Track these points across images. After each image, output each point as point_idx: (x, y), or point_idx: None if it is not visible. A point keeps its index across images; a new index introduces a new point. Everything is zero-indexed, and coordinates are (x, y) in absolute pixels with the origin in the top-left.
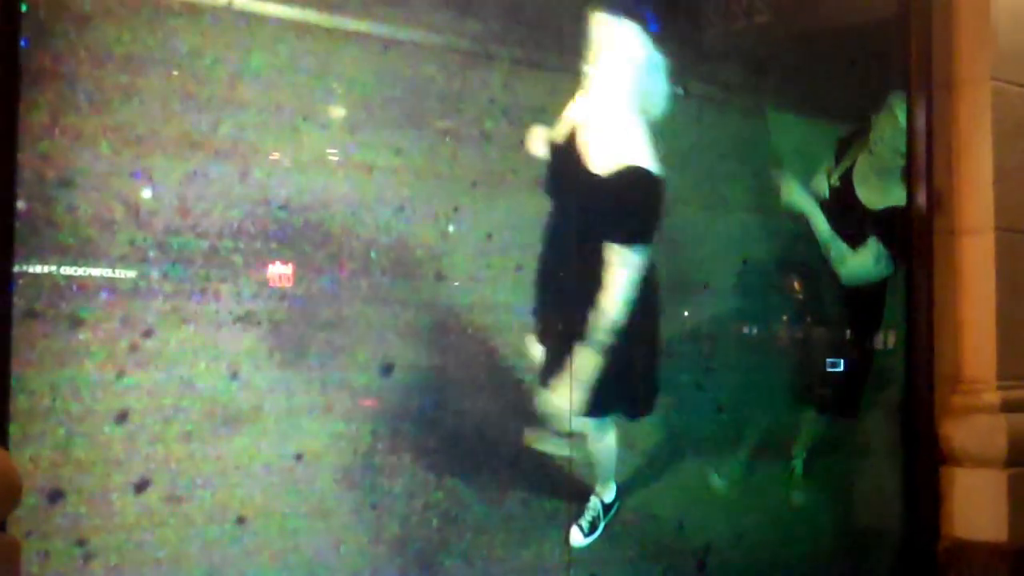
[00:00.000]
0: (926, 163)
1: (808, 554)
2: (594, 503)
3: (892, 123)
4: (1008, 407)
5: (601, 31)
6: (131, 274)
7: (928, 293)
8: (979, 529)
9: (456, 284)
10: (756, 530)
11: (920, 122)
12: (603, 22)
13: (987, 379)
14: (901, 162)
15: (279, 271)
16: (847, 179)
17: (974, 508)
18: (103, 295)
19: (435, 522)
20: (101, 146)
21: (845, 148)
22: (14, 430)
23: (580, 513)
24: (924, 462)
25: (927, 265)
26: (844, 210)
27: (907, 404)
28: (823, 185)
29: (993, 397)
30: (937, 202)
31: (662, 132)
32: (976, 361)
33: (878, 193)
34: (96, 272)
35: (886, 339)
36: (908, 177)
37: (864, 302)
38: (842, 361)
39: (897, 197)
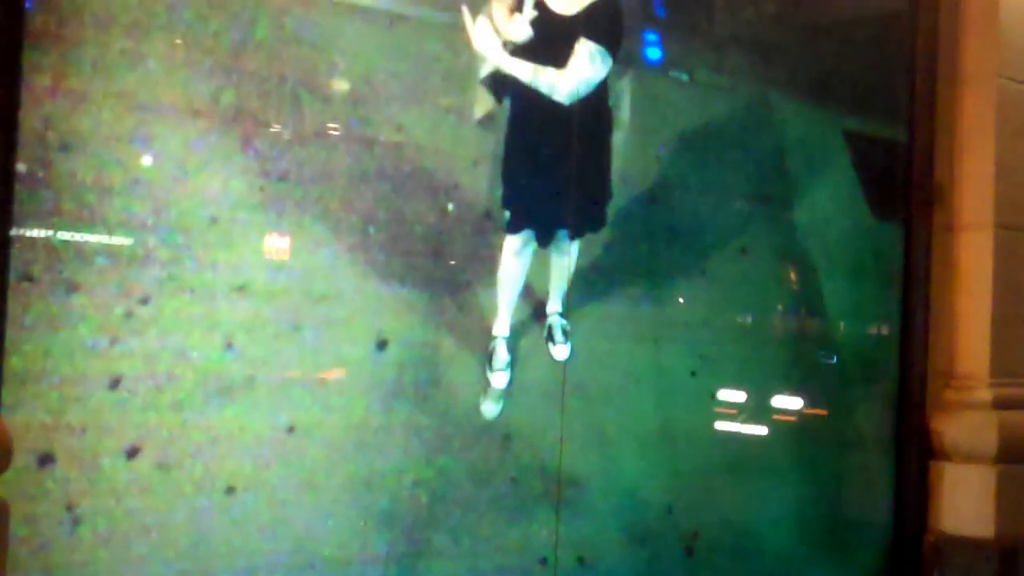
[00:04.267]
0: (928, 157)
1: (796, 543)
2: (557, 319)
3: None
4: (1000, 404)
5: None
6: (128, 241)
7: (925, 287)
8: (966, 525)
9: (453, 263)
10: (744, 518)
11: (924, 116)
12: None
13: (980, 375)
14: None
15: (277, 243)
16: None
17: (962, 503)
18: (100, 260)
19: (424, 499)
20: (103, 111)
21: None
22: (7, 393)
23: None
24: (914, 456)
25: (925, 259)
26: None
27: (899, 398)
28: None
29: (986, 393)
30: (937, 197)
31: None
32: (970, 357)
33: None
34: (93, 238)
35: (880, 331)
36: (909, 171)
37: None
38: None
39: None
